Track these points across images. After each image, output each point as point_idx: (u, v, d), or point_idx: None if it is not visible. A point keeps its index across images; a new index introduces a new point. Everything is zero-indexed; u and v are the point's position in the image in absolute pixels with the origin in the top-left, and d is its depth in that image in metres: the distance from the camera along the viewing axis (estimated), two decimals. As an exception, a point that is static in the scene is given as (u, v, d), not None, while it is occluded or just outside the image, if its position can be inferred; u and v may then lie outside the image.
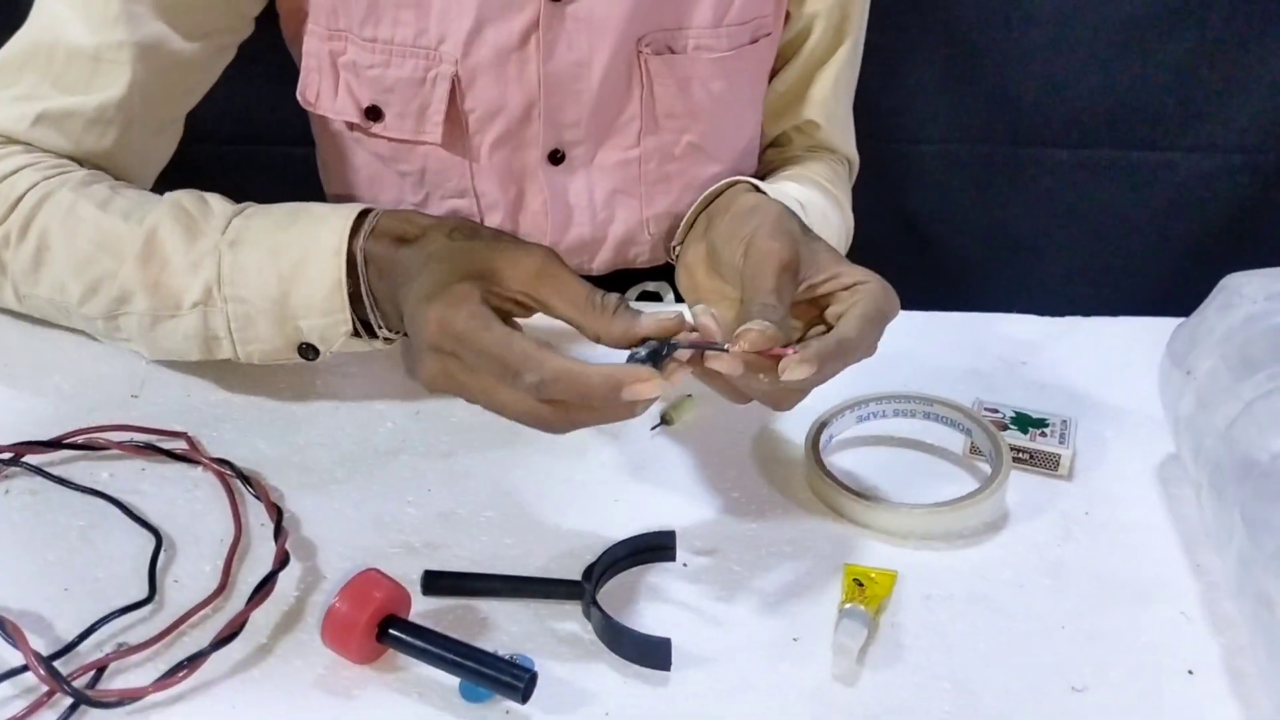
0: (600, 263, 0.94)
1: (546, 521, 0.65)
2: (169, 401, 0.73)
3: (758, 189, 0.76)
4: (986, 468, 0.69)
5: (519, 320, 0.61)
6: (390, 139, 0.85)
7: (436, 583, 0.59)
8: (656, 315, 0.58)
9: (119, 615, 0.57)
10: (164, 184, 0.81)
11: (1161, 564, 0.63)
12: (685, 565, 0.62)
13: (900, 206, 1.36)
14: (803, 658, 0.57)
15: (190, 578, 0.60)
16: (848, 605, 0.58)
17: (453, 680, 0.54)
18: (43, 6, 0.77)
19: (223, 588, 0.59)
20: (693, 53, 0.85)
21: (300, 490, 0.66)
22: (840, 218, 0.93)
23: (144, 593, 0.58)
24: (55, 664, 0.53)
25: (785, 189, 0.84)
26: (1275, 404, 0.60)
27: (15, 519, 0.63)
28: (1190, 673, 0.57)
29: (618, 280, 0.97)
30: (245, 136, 1.22)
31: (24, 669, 0.53)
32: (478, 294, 0.58)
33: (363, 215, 0.67)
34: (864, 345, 0.60)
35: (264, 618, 0.57)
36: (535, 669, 0.53)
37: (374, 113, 0.84)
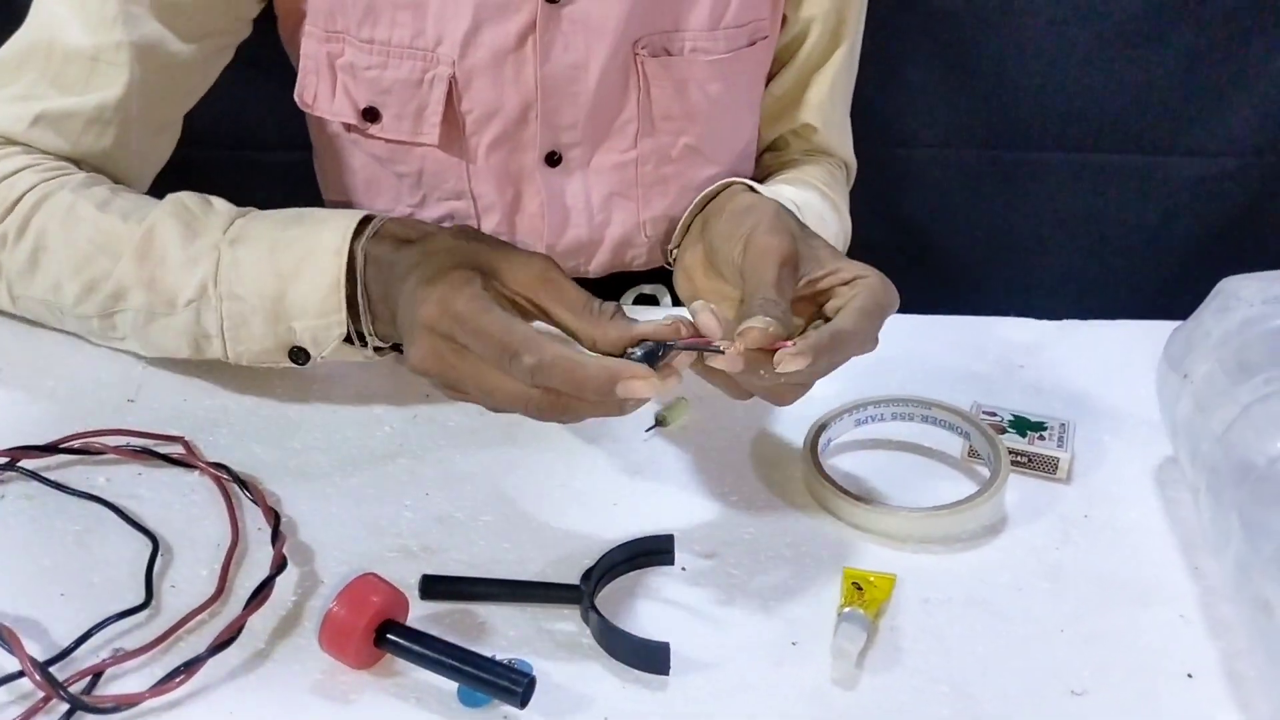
0: (597, 265, 0.94)
1: (544, 525, 0.65)
2: (165, 406, 0.73)
3: (753, 189, 0.76)
4: (985, 471, 0.69)
5: None
6: (387, 140, 0.85)
7: (434, 587, 0.59)
8: (653, 321, 0.58)
9: (115, 620, 0.56)
10: (160, 188, 0.81)
11: (1160, 567, 0.63)
12: (684, 569, 0.62)
13: (897, 210, 1.36)
14: (801, 661, 0.57)
15: (187, 582, 0.60)
16: (846, 609, 0.58)
17: (451, 685, 0.54)
18: (41, 7, 0.77)
19: (220, 592, 0.59)
20: (689, 55, 0.85)
21: (297, 494, 0.66)
22: (837, 220, 0.93)
23: (141, 598, 0.58)
24: (51, 669, 0.53)
25: (781, 192, 0.85)
26: (1272, 408, 0.60)
27: (11, 524, 0.63)
28: (1189, 676, 0.57)
29: (615, 283, 0.97)
30: (242, 141, 1.22)
31: (20, 675, 0.52)
32: (479, 281, 0.58)
33: (367, 219, 0.67)
34: (860, 338, 0.60)
35: (261, 623, 0.57)
36: (533, 673, 0.53)
37: (371, 114, 0.84)
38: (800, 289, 0.62)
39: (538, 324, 0.59)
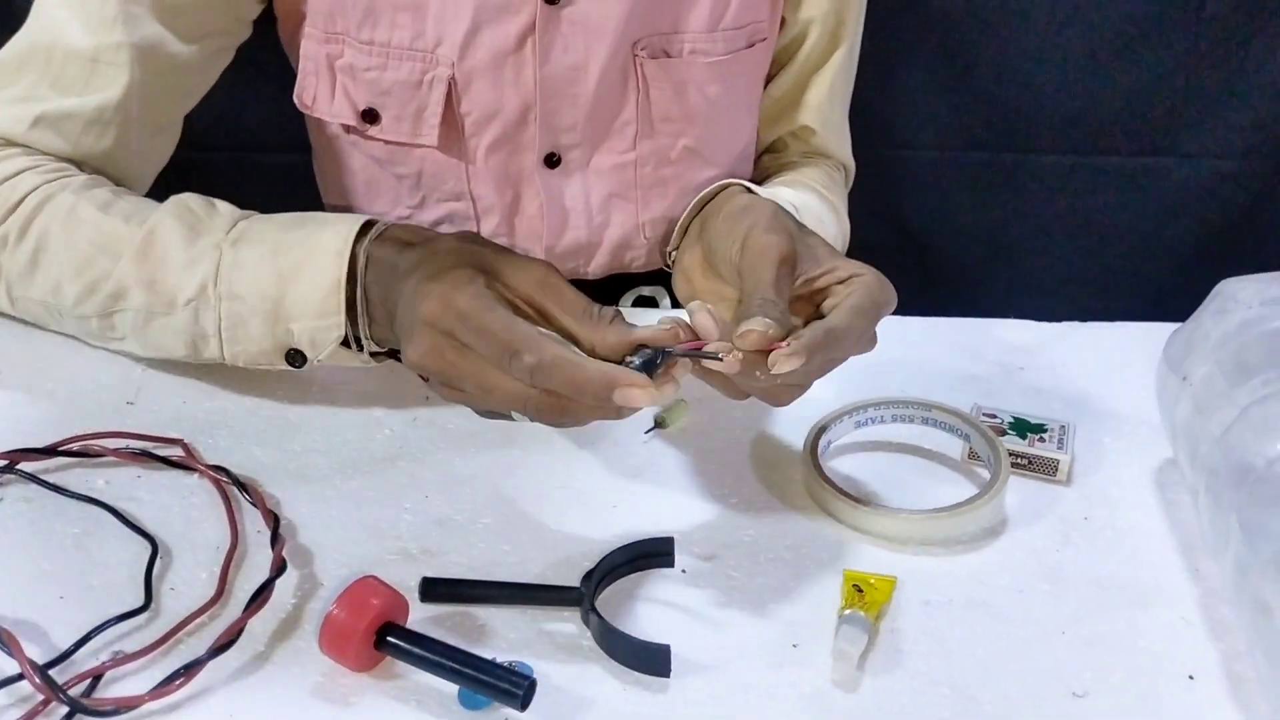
0: (596, 267, 0.94)
1: (544, 528, 0.65)
2: (165, 408, 0.73)
3: (750, 190, 0.76)
4: (985, 473, 0.69)
5: None
6: (387, 142, 0.85)
7: (434, 590, 0.59)
8: (651, 326, 0.58)
9: (115, 623, 0.56)
10: (159, 189, 0.81)
11: (1161, 569, 0.63)
12: (684, 571, 0.62)
13: (896, 212, 1.36)
14: (802, 664, 0.57)
15: (186, 585, 0.60)
16: (847, 611, 0.58)
17: (451, 688, 0.53)
18: (41, 8, 0.77)
19: (219, 595, 0.58)
20: (688, 57, 0.85)
21: (297, 497, 0.66)
22: (836, 223, 0.93)
23: (140, 600, 0.58)
24: (51, 672, 0.53)
25: (779, 194, 0.84)
26: (1270, 409, 0.60)
27: (10, 526, 0.63)
28: (1191, 678, 0.57)
29: (614, 285, 0.97)
30: (241, 143, 1.22)
31: (19, 678, 0.52)
32: (483, 280, 0.58)
33: (371, 223, 0.67)
34: (854, 335, 0.60)
35: (261, 625, 0.57)
36: (534, 676, 0.53)
37: (371, 115, 0.84)
38: (798, 288, 0.62)
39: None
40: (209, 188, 0.74)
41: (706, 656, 0.57)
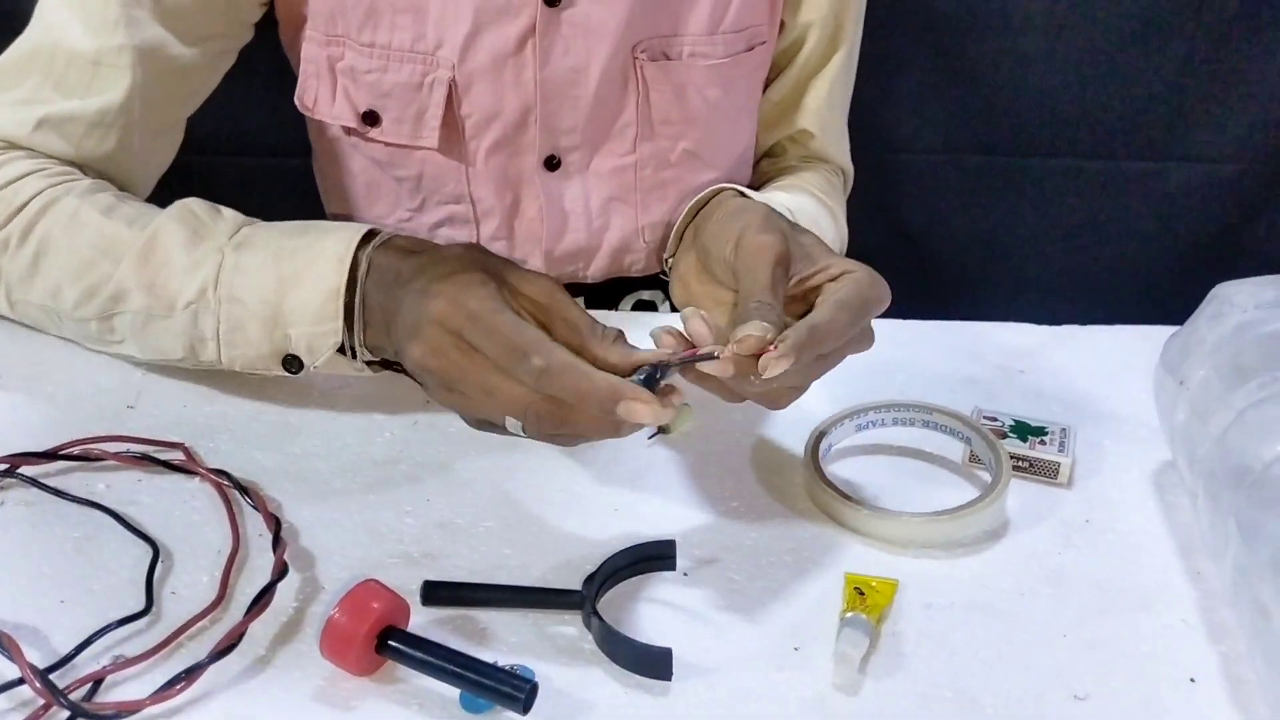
0: (595, 270, 0.94)
1: (546, 531, 0.65)
2: (165, 412, 0.72)
3: (743, 194, 0.76)
4: (986, 476, 0.69)
5: None
6: (387, 144, 0.85)
7: (436, 593, 0.59)
8: (653, 350, 0.58)
9: (116, 627, 0.56)
10: (160, 193, 0.81)
11: (1161, 572, 0.63)
12: (685, 574, 0.62)
13: (895, 215, 1.37)
14: (804, 667, 0.57)
15: (188, 589, 0.60)
16: (849, 614, 0.58)
17: (453, 692, 0.53)
18: (44, 11, 0.77)
19: (220, 599, 0.58)
20: (688, 59, 0.86)
21: (298, 501, 0.66)
22: (833, 227, 0.93)
23: (141, 604, 0.58)
24: (52, 677, 0.53)
25: (775, 198, 0.85)
26: (1267, 412, 0.60)
27: (11, 530, 0.63)
28: (1192, 680, 0.57)
29: (613, 289, 0.97)
30: (241, 147, 1.22)
31: (20, 682, 0.52)
32: (493, 284, 0.58)
33: (375, 232, 0.67)
34: (839, 329, 0.58)
35: (262, 629, 0.57)
36: (535, 679, 0.53)
37: (371, 118, 0.84)
38: (792, 288, 0.62)
39: None
40: (210, 192, 0.74)
41: (708, 659, 0.57)
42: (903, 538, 0.64)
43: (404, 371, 0.63)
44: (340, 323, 0.66)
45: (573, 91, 0.84)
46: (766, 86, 0.94)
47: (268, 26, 0.85)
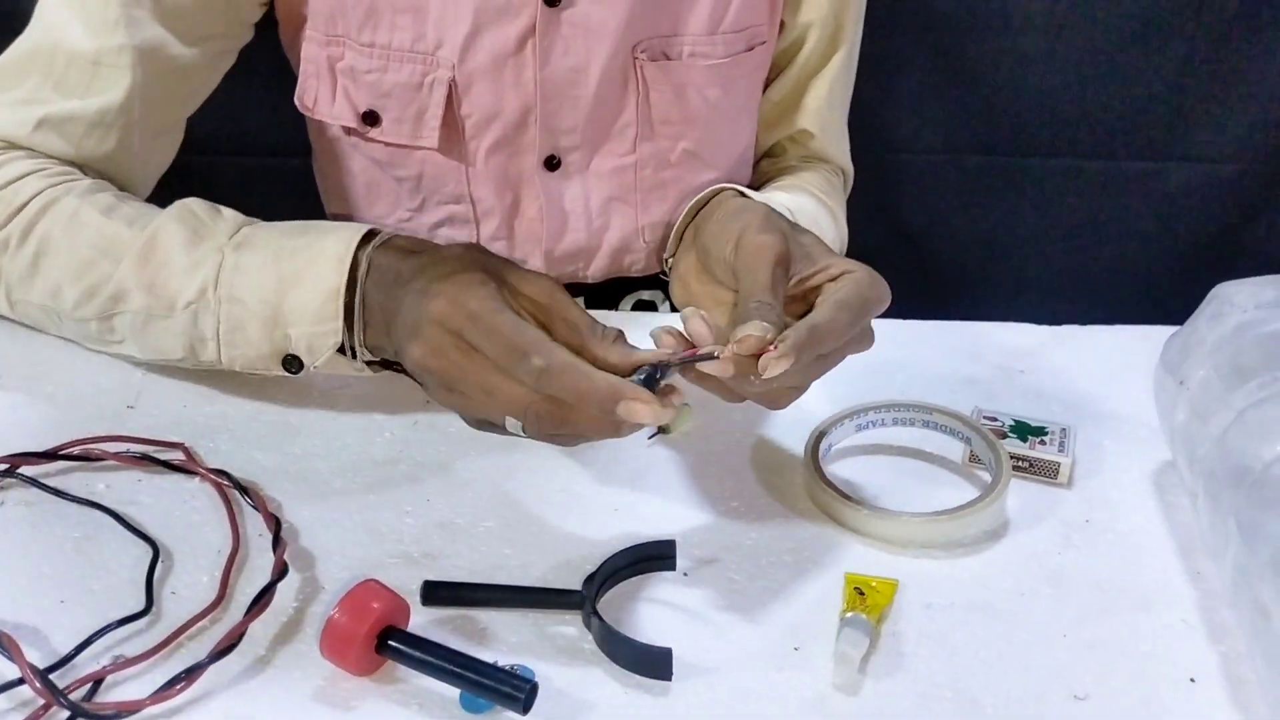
0: (595, 270, 0.94)
1: (546, 531, 0.65)
2: (165, 412, 0.72)
3: (743, 194, 0.76)
4: (986, 476, 0.69)
5: None
6: (387, 144, 0.85)
7: (436, 593, 0.59)
8: (653, 350, 0.58)
9: (116, 627, 0.56)
10: (160, 194, 0.81)
11: (1161, 572, 0.63)
12: (685, 574, 0.62)
13: (895, 215, 1.37)
14: (804, 667, 0.57)
15: (188, 589, 0.60)
16: (849, 614, 0.58)
17: (453, 692, 0.53)
18: (44, 11, 0.77)
19: (220, 599, 0.58)
20: (688, 59, 0.86)
21: (298, 501, 0.66)
22: (833, 227, 0.93)
23: (141, 604, 0.58)
24: (52, 677, 0.53)
25: (774, 198, 0.85)
26: (1267, 412, 0.60)
27: (11, 530, 0.63)
28: (1192, 680, 0.57)
29: (613, 289, 0.97)
30: (241, 147, 1.22)
31: (20, 682, 0.52)
32: (493, 284, 0.58)
33: (375, 232, 0.67)
34: (839, 329, 0.58)
35: (262, 629, 0.57)
36: (536, 679, 0.53)
37: (371, 118, 0.84)
38: (792, 288, 0.62)
39: None
40: (209, 192, 0.74)
41: (708, 659, 0.57)
42: (903, 538, 0.64)
43: (404, 371, 0.63)
44: (340, 323, 0.66)
45: (573, 91, 0.84)
46: (766, 86, 0.94)
47: (268, 26, 0.85)
